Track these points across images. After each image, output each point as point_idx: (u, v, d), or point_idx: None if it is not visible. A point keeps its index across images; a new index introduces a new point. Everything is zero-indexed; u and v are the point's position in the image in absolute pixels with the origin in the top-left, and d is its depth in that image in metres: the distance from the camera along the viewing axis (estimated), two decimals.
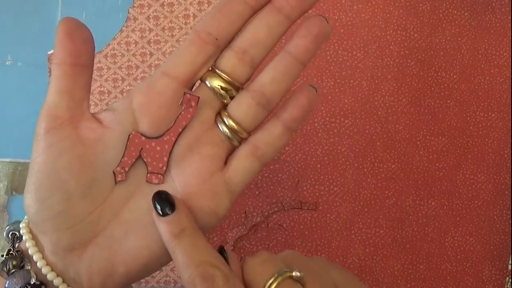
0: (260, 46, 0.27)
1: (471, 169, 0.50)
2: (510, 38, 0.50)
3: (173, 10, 0.48)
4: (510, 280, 0.50)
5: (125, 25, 0.48)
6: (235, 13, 0.27)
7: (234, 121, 0.27)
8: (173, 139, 0.27)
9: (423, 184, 0.50)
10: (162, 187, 0.27)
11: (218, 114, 0.28)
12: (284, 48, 0.28)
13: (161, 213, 0.25)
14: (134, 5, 0.48)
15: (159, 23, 0.48)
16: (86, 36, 0.26)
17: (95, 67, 0.47)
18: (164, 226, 0.25)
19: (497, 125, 0.50)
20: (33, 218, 0.26)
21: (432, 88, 0.49)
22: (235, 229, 0.47)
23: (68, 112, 0.26)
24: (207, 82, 0.27)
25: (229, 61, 0.27)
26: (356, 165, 0.49)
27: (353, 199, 0.49)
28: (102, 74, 0.48)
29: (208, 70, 0.28)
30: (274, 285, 0.24)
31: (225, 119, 0.27)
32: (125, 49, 0.48)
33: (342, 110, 0.48)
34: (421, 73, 0.49)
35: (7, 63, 0.48)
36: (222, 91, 0.27)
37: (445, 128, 0.50)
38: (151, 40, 0.48)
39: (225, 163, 0.28)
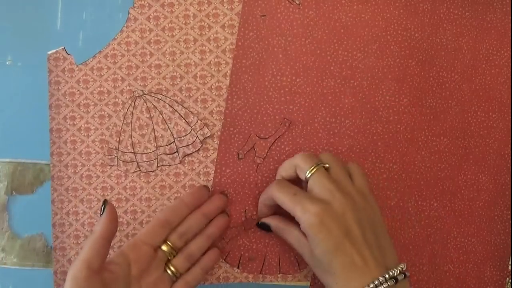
0: (191, 232, 0.46)
1: (472, 170, 0.50)
2: (511, 38, 0.50)
3: (173, 10, 0.48)
4: (510, 280, 0.50)
5: (125, 25, 0.48)
6: (180, 210, 0.45)
7: (174, 268, 0.45)
8: None
9: (425, 184, 0.49)
10: None
11: (166, 265, 0.45)
12: (204, 230, 0.47)
13: None
14: (135, 5, 0.48)
15: (159, 23, 0.48)
16: (116, 219, 0.41)
17: (95, 67, 0.47)
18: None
19: (498, 125, 0.50)
20: None
21: (433, 88, 0.49)
22: None
23: (98, 265, 0.39)
24: (164, 248, 0.45)
25: (176, 240, 0.45)
26: None
27: None
28: (102, 74, 0.48)
29: (166, 243, 0.45)
30: (314, 170, 0.42)
31: (170, 267, 0.45)
32: (125, 49, 0.48)
33: (342, 110, 0.48)
34: (422, 73, 0.49)
35: (7, 63, 0.48)
36: (167, 253, 0.45)
37: (447, 128, 0.50)
38: (151, 40, 0.48)
39: None
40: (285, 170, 0.45)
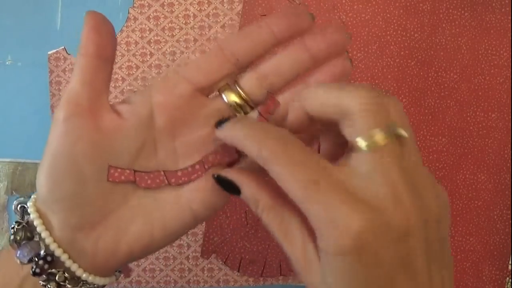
0: (281, 76, 0.28)
1: (471, 169, 0.50)
2: (510, 38, 0.50)
3: (173, 10, 0.48)
4: (510, 280, 0.51)
5: (125, 25, 0.48)
6: (261, 41, 0.28)
7: None
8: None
9: None
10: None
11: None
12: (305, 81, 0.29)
13: None
14: (134, 5, 0.48)
15: (159, 23, 0.48)
16: (111, 30, 0.28)
17: None
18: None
19: (497, 125, 0.50)
20: (45, 197, 0.27)
21: (432, 88, 0.49)
22: None
23: (89, 101, 0.27)
24: (223, 96, 0.29)
25: (249, 81, 0.28)
26: None
27: None
28: None
29: (227, 83, 0.29)
30: (383, 142, 0.22)
31: None
32: (125, 49, 0.48)
33: None
34: (421, 73, 0.49)
35: (7, 63, 0.48)
36: (237, 107, 0.29)
37: (445, 128, 0.50)
38: (151, 40, 0.48)
39: None
40: (316, 106, 0.25)
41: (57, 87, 0.47)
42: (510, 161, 0.50)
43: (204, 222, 0.48)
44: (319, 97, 0.25)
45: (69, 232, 0.27)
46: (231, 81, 0.29)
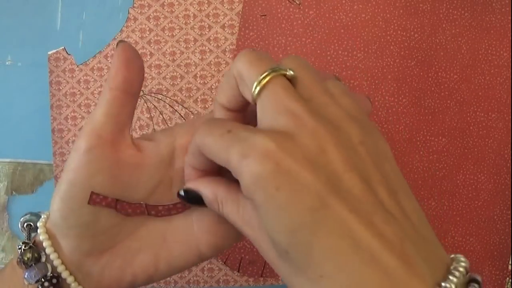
0: None
1: (471, 169, 0.50)
2: (510, 38, 0.50)
3: (173, 10, 0.48)
4: (510, 280, 0.51)
5: (125, 25, 0.48)
6: None
7: None
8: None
9: (423, 184, 0.50)
10: (179, 217, 0.30)
11: None
12: None
13: None
14: (134, 5, 0.48)
15: (159, 23, 0.48)
16: (140, 66, 0.28)
17: (95, 67, 0.47)
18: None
19: (497, 125, 0.50)
20: (58, 222, 0.28)
21: (432, 88, 0.49)
22: None
23: (112, 134, 0.27)
24: None
25: None
26: None
27: None
28: (102, 74, 0.47)
29: None
30: (266, 79, 0.23)
31: None
32: None
33: None
34: (421, 74, 0.49)
35: (7, 63, 0.47)
36: None
37: (445, 128, 0.50)
38: (151, 41, 0.48)
39: None
40: (222, 89, 0.26)
41: (57, 87, 0.47)
42: (510, 161, 0.50)
43: None
44: (222, 93, 0.26)
45: (78, 256, 0.28)
46: None
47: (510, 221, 0.50)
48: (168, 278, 0.49)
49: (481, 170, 0.50)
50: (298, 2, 0.48)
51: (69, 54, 0.47)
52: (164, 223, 0.30)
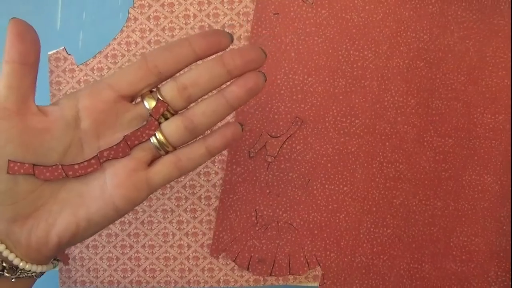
0: (199, 88, 0.32)
1: (477, 171, 0.51)
2: None
3: (173, 10, 0.48)
4: None
5: (125, 25, 0.47)
6: (182, 57, 0.31)
7: (163, 135, 0.32)
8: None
9: (430, 184, 0.50)
10: (93, 175, 0.32)
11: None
12: (221, 89, 0.32)
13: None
14: (135, 5, 0.47)
15: (159, 23, 0.47)
16: (34, 37, 0.29)
17: (95, 67, 0.47)
18: None
19: (504, 127, 0.51)
20: None
21: (440, 90, 0.50)
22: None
23: (16, 105, 0.29)
24: (145, 102, 0.32)
25: (170, 91, 0.32)
26: (365, 164, 0.49)
27: (362, 199, 0.49)
28: (103, 74, 0.47)
29: (150, 91, 0.32)
30: None
31: (156, 133, 0.32)
32: (126, 49, 0.47)
33: (352, 110, 0.49)
34: (429, 75, 0.50)
35: None
36: (157, 111, 0.32)
37: (452, 130, 0.50)
38: (151, 40, 0.47)
39: (149, 165, 0.33)
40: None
41: (57, 87, 0.47)
42: None
43: (214, 222, 0.48)
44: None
45: (4, 225, 0.30)
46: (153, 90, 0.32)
47: None
48: (168, 278, 0.49)
49: (487, 172, 0.51)
50: (311, 1, 0.48)
51: (69, 54, 0.47)
52: (81, 183, 0.31)
